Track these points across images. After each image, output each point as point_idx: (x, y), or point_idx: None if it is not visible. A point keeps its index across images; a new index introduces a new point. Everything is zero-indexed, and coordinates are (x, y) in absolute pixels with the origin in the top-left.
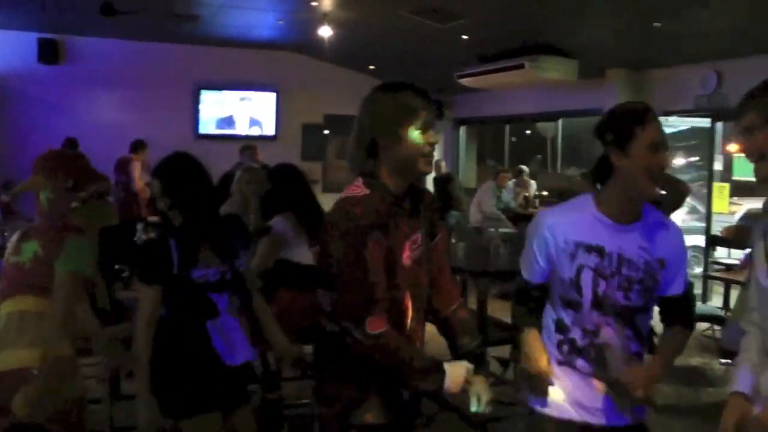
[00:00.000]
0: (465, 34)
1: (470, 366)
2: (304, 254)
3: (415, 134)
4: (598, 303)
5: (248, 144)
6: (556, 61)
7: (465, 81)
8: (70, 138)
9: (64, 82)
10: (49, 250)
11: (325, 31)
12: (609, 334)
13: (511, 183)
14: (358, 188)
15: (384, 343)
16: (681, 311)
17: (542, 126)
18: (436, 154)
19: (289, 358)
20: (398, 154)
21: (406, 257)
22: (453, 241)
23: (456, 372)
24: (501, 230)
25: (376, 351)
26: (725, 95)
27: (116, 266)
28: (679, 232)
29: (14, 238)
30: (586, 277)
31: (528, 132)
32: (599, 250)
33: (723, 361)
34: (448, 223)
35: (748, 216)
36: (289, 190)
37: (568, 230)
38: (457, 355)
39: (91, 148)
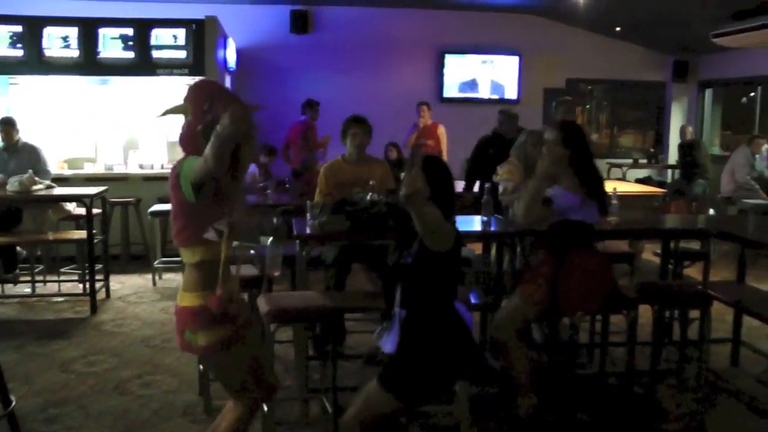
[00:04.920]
0: None
1: None
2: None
3: None
4: None
5: (504, 109)
6: None
7: (721, 40)
8: (311, 99)
9: (312, 50)
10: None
11: None
12: None
13: (765, 150)
14: None
15: None
16: None
17: None
18: (681, 119)
19: None
20: None
21: None
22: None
23: None
24: (754, 201)
25: None
26: None
27: None
28: None
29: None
30: None
31: None
32: None
33: None
34: (694, 191)
35: None
36: None
37: None
38: None
39: (333, 113)
